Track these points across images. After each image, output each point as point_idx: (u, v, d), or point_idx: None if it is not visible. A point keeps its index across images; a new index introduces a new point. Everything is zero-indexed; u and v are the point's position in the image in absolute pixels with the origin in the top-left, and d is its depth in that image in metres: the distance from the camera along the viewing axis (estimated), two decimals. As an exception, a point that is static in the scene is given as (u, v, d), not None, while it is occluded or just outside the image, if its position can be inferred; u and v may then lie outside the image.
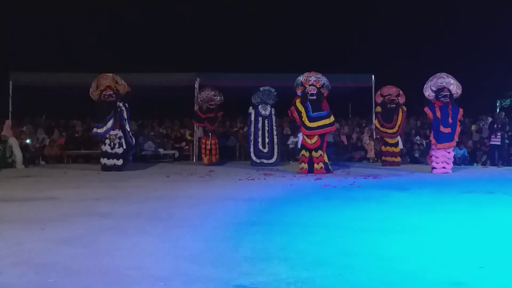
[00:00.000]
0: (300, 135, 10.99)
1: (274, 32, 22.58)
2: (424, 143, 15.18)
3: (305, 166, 10.79)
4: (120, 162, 11.76)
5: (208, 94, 13.76)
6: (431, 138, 11.28)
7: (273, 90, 13.74)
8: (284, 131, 16.93)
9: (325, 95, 11.09)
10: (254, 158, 13.56)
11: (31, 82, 15.26)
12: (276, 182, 9.38)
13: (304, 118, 10.85)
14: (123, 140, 11.86)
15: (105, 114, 11.73)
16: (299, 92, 11.05)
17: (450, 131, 11.04)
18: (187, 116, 17.01)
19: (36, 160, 14.24)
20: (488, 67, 20.51)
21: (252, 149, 13.61)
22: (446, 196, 7.20)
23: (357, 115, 19.44)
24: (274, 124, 13.88)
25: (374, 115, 15.01)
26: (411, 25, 21.87)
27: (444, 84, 11.18)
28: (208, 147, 13.63)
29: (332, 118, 10.98)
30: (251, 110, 13.76)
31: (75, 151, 15.29)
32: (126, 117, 12.02)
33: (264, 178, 9.94)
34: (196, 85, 15.25)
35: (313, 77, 11.07)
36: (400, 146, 13.70)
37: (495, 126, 13.46)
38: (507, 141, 13.48)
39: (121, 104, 11.88)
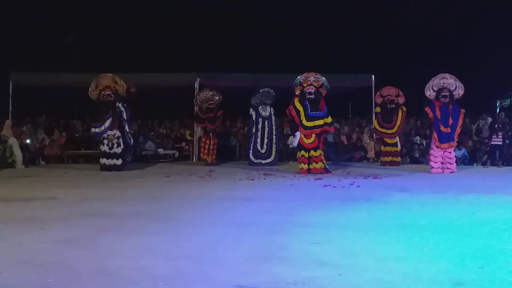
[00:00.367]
0: (298, 134, 10.99)
1: (274, 32, 22.59)
2: (424, 143, 15.18)
3: (305, 166, 10.80)
4: (119, 161, 11.78)
5: (206, 94, 13.78)
6: (434, 137, 11.27)
7: (272, 91, 13.77)
8: (284, 131, 16.95)
9: (323, 94, 11.09)
10: (252, 158, 13.62)
11: (31, 82, 15.27)
12: (276, 182, 9.38)
13: (302, 117, 10.87)
14: (121, 140, 11.85)
15: (103, 114, 11.74)
16: (297, 92, 11.07)
17: (450, 131, 11.06)
18: (187, 116, 17.02)
19: (36, 160, 14.25)
20: (488, 67, 20.52)
21: (251, 150, 13.67)
22: (446, 196, 7.19)
23: (357, 115, 19.45)
24: (274, 124, 13.91)
25: (374, 115, 15.01)
26: (411, 25, 21.88)
27: (445, 84, 11.20)
28: (207, 146, 13.65)
29: (330, 118, 11.00)
30: (251, 111, 13.81)
31: (75, 151, 15.29)
32: (125, 118, 12.02)
33: (264, 178, 9.94)
34: (196, 85, 15.25)
35: (312, 77, 11.09)
36: (399, 146, 13.72)
37: (496, 126, 13.47)
38: (507, 141, 13.48)
39: (120, 105, 11.89)
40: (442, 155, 11.17)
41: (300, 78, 11.15)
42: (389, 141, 13.54)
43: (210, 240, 4.30)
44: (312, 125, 10.83)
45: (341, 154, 15.49)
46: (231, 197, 7.14)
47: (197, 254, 3.80)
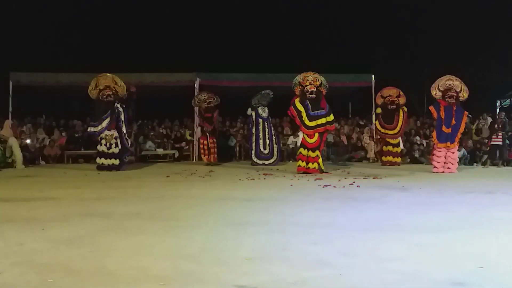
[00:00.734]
0: (301, 134, 11.00)
1: (274, 32, 22.60)
2: (424, 143, 15.19)
3: (303, 164, 10.80)
4: (117, 162, 11.80)
5: (204, 96, 13.82)
6: (434, 137, 11.35)
7: (271, 93, 13.86)
8: (284, 131, 16.95)
9: (323, 93, 11.10)
10: (255, 159, 13.68)
11: (31, 82, 15.26)
12: (276, 182, 9.38)
13: (304, 117, 10.86)
14: (119, 141, 11.86)
15: (102, 113, 11.76)
16: (297, 92, 11.07)
17: (451, 131, 11.14)
18: (187, 116, 17.02)
19: (36, 160, 14.25)
20: (488, 67, 20.52)
21: (253, 151, 13.73)
22: (446, 196, 7.20)
23: (357, 115, 19.45)
24: (271, 125, 14.04)
25: (374, 116, 15.01)
26: (411, 25, 21.88)
27: (452, 85, 11.32)
28: (206, 146, 13.68)
29: (332, 116, 10.99)
30: (250, 111, 13.84)
31: (75, 151, 15.29)
32: (123, 119, 12.00)
33: (264, 178, 9.94)
34: (196, 85, 15.25)
35: (310, 76, 11.08)
36: (401, 146, 13.75)
37: (496, 126, 13.48)
38: (507, 141, 13.49)
39: (118, 105, 11.90)
40: (445, 155, 11.23)
41: (298, 77, 11.15)
42: (391, 141, 13.55)
43: (210, 240, 4.31)
44: (315, 124, 10.82)
45: (341, 154, 15.49)
46: (231, 197, 7.14)
47: (197, 254, 3.80)
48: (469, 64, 19.85)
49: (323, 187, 8.33)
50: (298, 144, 11.16)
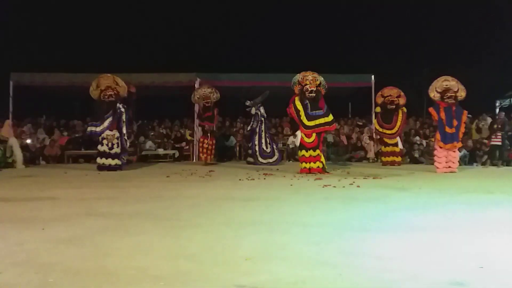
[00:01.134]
0: (298, 134, 11.02)
1: (274, 32, 22.61)
2: (424, 143, 15.19)
3: (306, 165, 10.83)
4: (119, 162, 11.83)
5: (204, 91, 13.81)
6: (437, 138, 11.38)
7: (268, 92, 13.97)
8: (284, 131, 16.97)
9: (322, 93, 11.11)
10: (260, 159, 13.75)
11: (31, 82, 15.28)
12: (276, 182, 9.38)
13: (303, 117, 10.88)
14: (120, 141, 11.89)
15: (104, 113, 11.77)
16: (297, 91, 11.08)
17: (454, 131, 11.20)
18: (187, 116, 17.03)
19: (36, 160, 14.25)
20: (488, 67, 20.52)
21: (257, 150, 13.78)
22: (446, 196, 7.20)
23: (357, 115, 19.45)
24: (268, 124, 14.19)
25: (374, 115, 15.01)
26: (411, 25, 21.89)
27: (449, 86, 11.36)
28: (206, 146, 13.70)
29: (331, 117, 11.00)
30: (254, 110, 13.90)
31: (75, 151, 15.30)
32: (124, 120, 12.04)
33: (264, 178, 9.94)
34: (196, 85, 15.27)
35: (309, 76, 11.10)
36: (400, 146, 13.75)
37: (495, 126, 13.49)
38: (507, 141, 13.49)
39: (120, 106, 11.92)
40: (446, 154, 11.28)
41: (298, 76, 11.17)
42: (389, 141, 13.55)
43: (210, 240, 4.31)
44: (313, 124, 10.85)
45: (341, 154, 15.49)
46: (231, 197, 7.14)
47: (197, 254, 3.80)
48: (469, 64, 19.85)
49: (323, 187, 8.33)
50: (297, 144, 11.17)
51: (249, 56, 21.33)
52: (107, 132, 11.78)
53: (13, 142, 12.86)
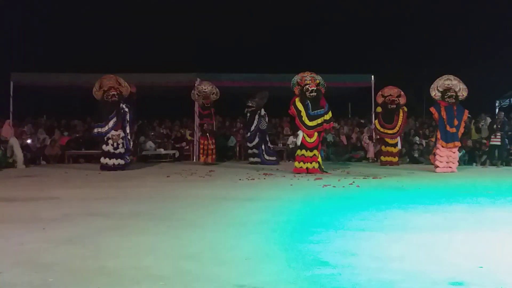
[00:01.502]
0: (300, 133, 11.02)
1: (274, 32, 22.60)
2: (424, 143, 15.18)
3: (304, 165, 10.82)
4: (123, 161, 11.87)
5: (205, 90, 13.81)
6: (438, 137, 11.39)
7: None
8: (284, 131, 16.97)
9: (322, 92, 11.12)
10: (267, 157, 13.97)
11: (32, 82, 15.27)
12: (276, 182, 9.39)
13: (304, 117, 10.88)
14: (125, 141, 11.93)
15: (107, 114, 11.80)
16: (297, 92, 11.08)
17: (455, 131, 11.23)
18: (187, 116, 17.03)
19: (37, 160, 14.25)
20: (487, 67, 20.51)
21: (264, 149, 13.91)
22: (446, 196, 7.20)
23: (357, 115, 19.45)
24: None
25: (374, 115, 15.02)
26: (411, 26, 21.89)
27: (450, 85, 11.37)
28: (206, 147, 13.74)
29: (330, 114, 11.02)
30: (264, 112, 14.04)
31: (76, 151, 15.30)
32: (128, 119, 12.09)
33: (264, 178, 9.95)
34: (196, 85, 15.24)
35: (307, 76, 11.11)
36: (399, 146, 13.75)
37: (495, 126, 13.49)
38: (506, 141, 13.49)
39: (124, 106, 11.96)
40: (447, 154, 11.31)
41: (296, 78, 11.18)
42: (390, 141, 13.55)
43: (210, 240, 4.31)
44: (315, 124, 10.87)
45: (341, 154, 15.49)
46: (231, 197, 7.15)
47: (197, 254, 3.81)
48: (469, 64, 19.85)
49: (323, 187, 8.34)
50: (298, 143, 11.19)
51: (249, 56, 21.33)
52: (113, 132, 11.81)
53: (14, 142, 12.86)
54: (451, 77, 11.55)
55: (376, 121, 13.96)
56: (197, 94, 14.00)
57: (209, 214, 5.67)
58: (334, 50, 22.29)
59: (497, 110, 18.22)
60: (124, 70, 14.15)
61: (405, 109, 13.89)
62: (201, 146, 13.97)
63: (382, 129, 13.66)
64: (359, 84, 16.36)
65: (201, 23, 23.02)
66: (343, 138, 16.42)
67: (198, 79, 15.19)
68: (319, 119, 10.88)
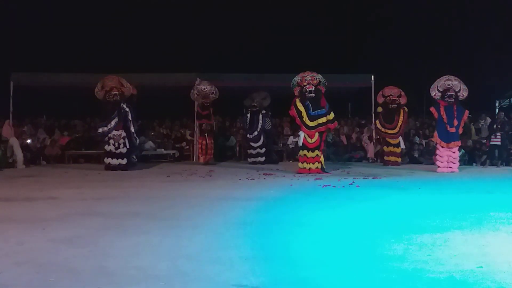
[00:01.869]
0: (301, 134, 11.03)
1: (274, 32, 22.59)
2: (424, 143, 15.18)
3: (306, 166, 10.83)
4: (124, 161, 11.89)
5: (204, 89, 13.83)
6: (435, 137, 11.42)
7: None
8: (284, 131, 16.98)
9: (322, 91, 11.12)
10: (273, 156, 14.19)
11: (32, 82, 15.26)
12: (276, 182, 9.39)
13: (305, 118, 10.89)
14: (126, 140, 11.95)
15: (109, 114, 11.84)
16: (296, 93, 11.09)
17: (455, 131, 11.24)
18: (187, 116, 17.03)
19: (37, 160, 14.25)
20: (487, 67, 20.51)
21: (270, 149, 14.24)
22: (446, 196, 7.21)
23: (357, 115, 19.45)
24: None
25: (374, 115, 15.01)
26: (411, 26, 21.87)
27: (450, 85, 11.39)
28: (204, 146, 13.76)
29: (332, 114, 11.02)
30: (267, 112, 14.18)
31: (76, 151, 15.30)
32: (130, 119, 12.11)
33: (264, 178, 9.95)
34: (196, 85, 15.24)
35: (308, 76, 11.11)
36: (402, 146, 13.75)
37: (495, 126, 13.49)
38: (506, 141, 13.49)
39: (124, 105, 11.98)
40: (448, 154, 11.33)
41: (296, 78, 11.18)
42: (391, 141, 13.55)
43: (210, 240, 4.32)
44: (316, 124, 10.87)
45: (341, 154, 15.49)
46: (231, 197, 7.15)
47: (197, 254, 3.81)
48: (469, 64, 19.84)
49: (323, 187, 8.34)
50: (300, 143, 11.19)
51: (249, 56, 21.32)
52: (114, 132, 11.84)
53: (14, 142, 12.86)
54: (452, 77, 11.57)
55: (377, 121, 13.96)
56: (196, 93, 14.02)
57: (209, 214, 5.67)
58: (334, 50, 22.29)
59: (497, 110, 18.21)
60: (124, 70, 14.15)
61: (406, 109, 13.89)
62: (199, 146, 13.99)
63: (383, 129, 13.66)
64: (359, 84, 16.35)
65: (201, 23, 23.02)
66: (343, 138, 16.41)
67: (198, 79, 15.19)
68: (320, 119, 10.89)
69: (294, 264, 3.53)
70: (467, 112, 11.62)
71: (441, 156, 11.36)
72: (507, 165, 13.21)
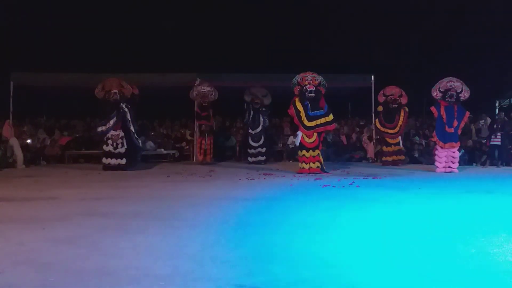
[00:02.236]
0: (299, 134, 11.04)
1: (274, 32, 22.60)
2: (424, 143, 15.18)
3: (305, 166, 10.84)
4: (123, 161, 11.90)
5: (203, 90, 13.85)
6: (434, 137, 11.43)
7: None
8: (284, 131, 16.98)
9: (322, 93, 11.12)
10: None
11: (32, 82, 15.26)
12: (276, 182, 9.39)
13: (303, 117, 10.90)
14: (125, 140, 11.95)
15: (108, 113, 11.85)
16: (296, 92, 11.09)
17: (453, 131, 11.26)
18: (187, 116, 17.03)
19: (37, 160, 14.26)
20: (487, 67, 20.52)
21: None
22: (446, 196, 7.21)
23: (356, 115, 19.45)
24: None
25: (374, 115, 15.02)
26: (411, 26, 21.88)
27: (452, 86, 11.42)
28: (204, 147, 13.77)
29: (331, 116, 11.02)
30: (265, 109, 14.29)
31: (76, 151, 15.30)
32: (129, 119, 12.12)
33: (264, 178, 9.95)
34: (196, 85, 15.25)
35: (309, 76, 11.12)
36: (400, 146, 13.75)
37: (495, 126, 13.49)
38: (506, 141, 13.49)
39: (123, 106, 11.99)
40: (446, 154, 11.33)
41: (297, 77, 11.19)
42: (391, 141, 13.55)
43: (210, 240, 4.32)
44: (314, 124, 10.88)
45: (341, 154, 15.49)
46: (231, 197, 7.15)
47: (197, 254, 3.81)
48: (469, 65, 19.85)
49: (323, 187, 8.35)
50: (297, 143, 11.21)
51: (249, 56, 21.32)
52: (112, 132, 11.85)
53: (14, 142, 12.87)
54: (454, 79, 11.61)
55: (377, 120, 13.97)
56: (195, 93, 14.04)
57: (209, 214, 5.67)
58: (334, 50, 22.29)
59: (497, 110, 18.22)
60: (124, 70, 14.16)
61: (407, 109, 13.89)
62: (198, 145, 14.00)
63: (383, 129, 13.67)
64: (359, 84, 16.35)
65: (201, 23, 23.03)
66: (343, 138, 16.42)
67: (198, 79, 15.19)
68: (319, 120, 10.90)
69: (294, 264, 3.53)
70: (467, 113, 11.62)
71: (439, 157, 11.37)
72: (507, 165, 13.22)
